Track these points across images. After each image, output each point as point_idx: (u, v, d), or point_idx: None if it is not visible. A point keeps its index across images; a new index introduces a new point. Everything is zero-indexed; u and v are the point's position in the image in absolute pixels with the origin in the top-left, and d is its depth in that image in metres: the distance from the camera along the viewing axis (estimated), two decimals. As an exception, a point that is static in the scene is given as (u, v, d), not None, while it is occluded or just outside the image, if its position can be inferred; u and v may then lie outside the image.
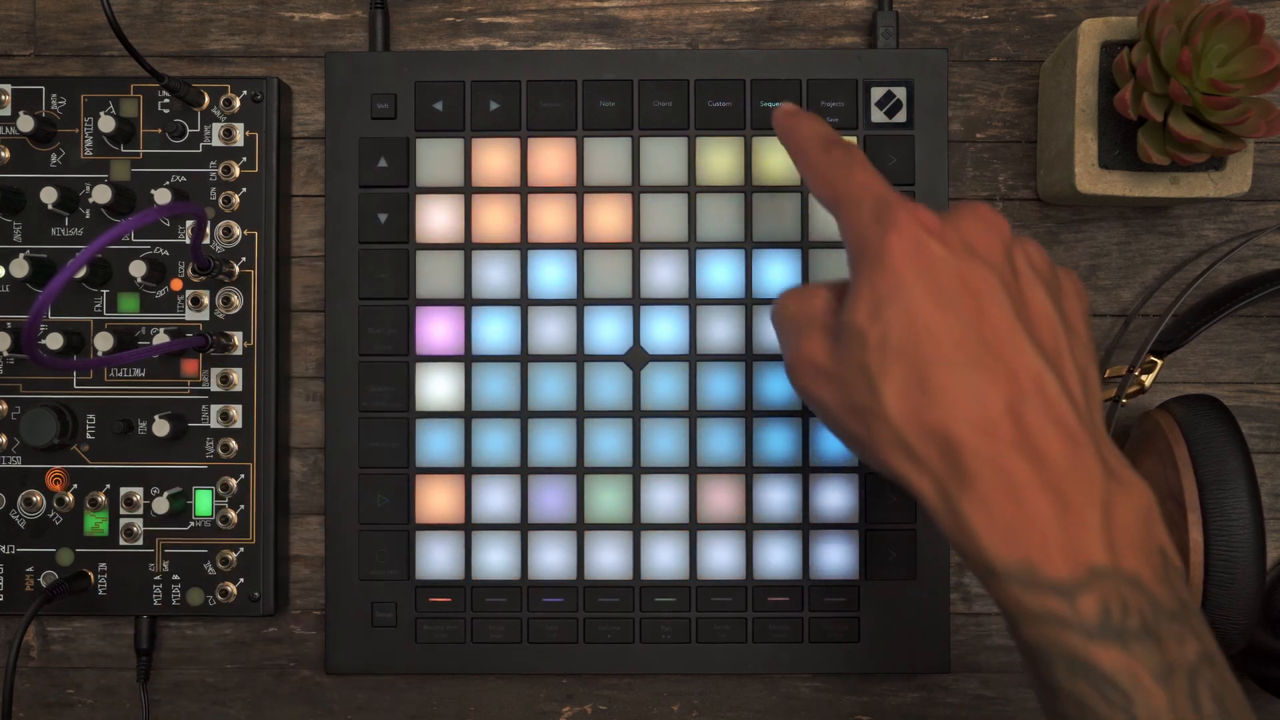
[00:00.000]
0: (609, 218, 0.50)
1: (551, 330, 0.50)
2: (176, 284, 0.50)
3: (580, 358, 0.50)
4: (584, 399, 0.50)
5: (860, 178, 0.39)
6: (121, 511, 0.50)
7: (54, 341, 0.48)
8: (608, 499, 0.50)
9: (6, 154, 0.50)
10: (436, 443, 0.50)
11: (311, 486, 0.52)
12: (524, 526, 0.50)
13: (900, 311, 0.36)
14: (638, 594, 0.50)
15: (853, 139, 0.50)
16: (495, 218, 0.50)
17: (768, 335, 0.50)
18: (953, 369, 0.35)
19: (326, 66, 0.50)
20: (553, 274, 0.50)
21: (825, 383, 0.38)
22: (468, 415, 0.50)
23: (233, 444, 0.50)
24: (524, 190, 0.50)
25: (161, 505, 0.49)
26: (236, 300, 0.50)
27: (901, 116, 0.50)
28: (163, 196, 0.49)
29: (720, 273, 0.50)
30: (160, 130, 0.50)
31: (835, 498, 0.50)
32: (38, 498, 0.50)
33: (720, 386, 0.50)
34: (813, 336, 0.39)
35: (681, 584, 0.50)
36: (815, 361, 0.38)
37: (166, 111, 0.50)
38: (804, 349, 0.39)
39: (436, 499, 0.50)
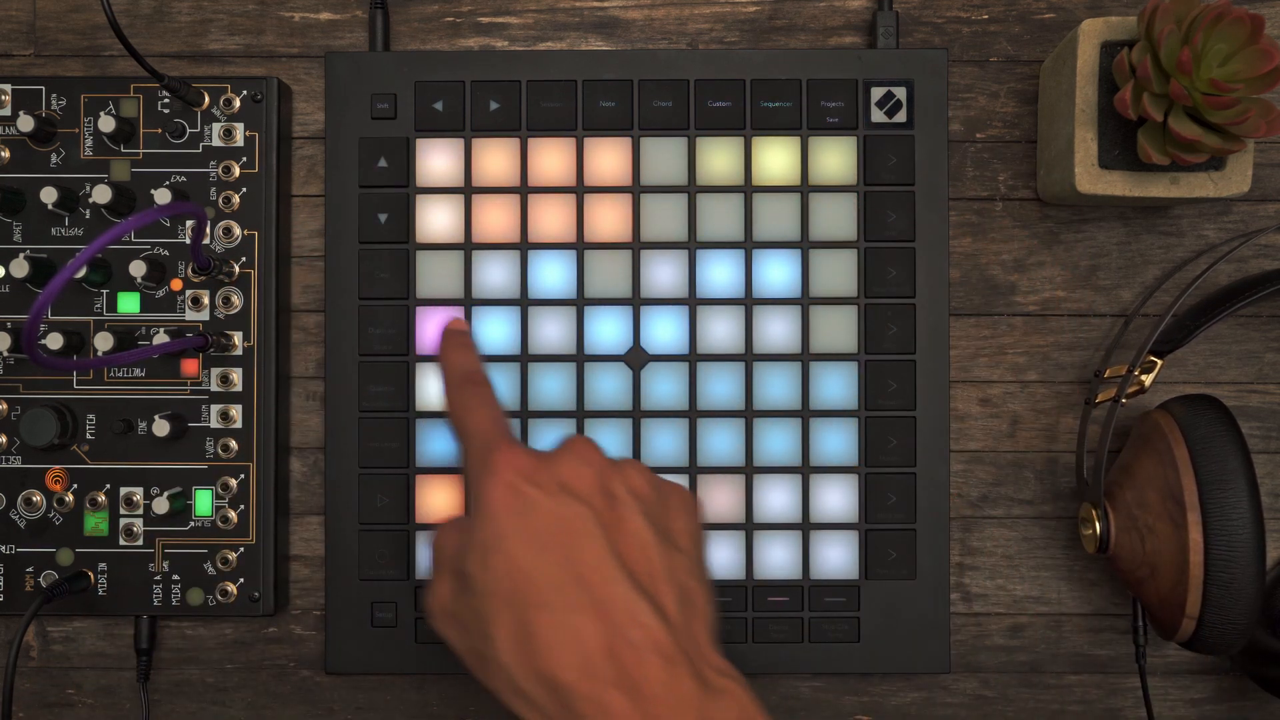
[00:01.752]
0: (609, 218, 0.50)
1: (551, 330, 0.50)
2: (176, 284, 0.50)
3: (580, 358, 0.50)
4: (584, 399, 0.50)
5: (478, 418, 0.42)
6: (121, 511, 0.50)
7: (54, 341, 0.48)
8: (608, 499, 0.50)
9: (6, 154, 0.50)
10: (436, 443, 0.50)
11: (311, 486, 0.52)
12: (524, 526, 0.50)
13: (502, 559, 0.38)
14: (638, 594, 0.50)
15: (850, 140, 0.50)
16: (495, 218, 0.50)
17: (768, 335, 0.50)
18: (552, 613, 0.37)
19: (326, 66, 0.50)
20: (553, 274, 0.50)
21: (452, 626, 0.40)
22: (468, 415, 0.50)
23: (233, 444, 0.50)
24: (524, 190, 0.50)
25: (161, 505, 0.49)
26: (236, 300, 0.50)
27: (901, 116, 0.50)
28: (163, 196, 0.49)
29: (720, 273, 0.50)
30: (160, 130, 0.50)
31: (835, 498, 0.50)
32: (38, 498, 0.50)
33: (720, 386, 0.50)
34: (444, 578, 0.40)
35: (681, 584, 0.50)
36: (444, 604, 0.40)
37: (166, 111, 0.50)
38: (436, 590, 0.40)
39: (436, 499, 0.50)
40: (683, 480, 0.50)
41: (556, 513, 0.38)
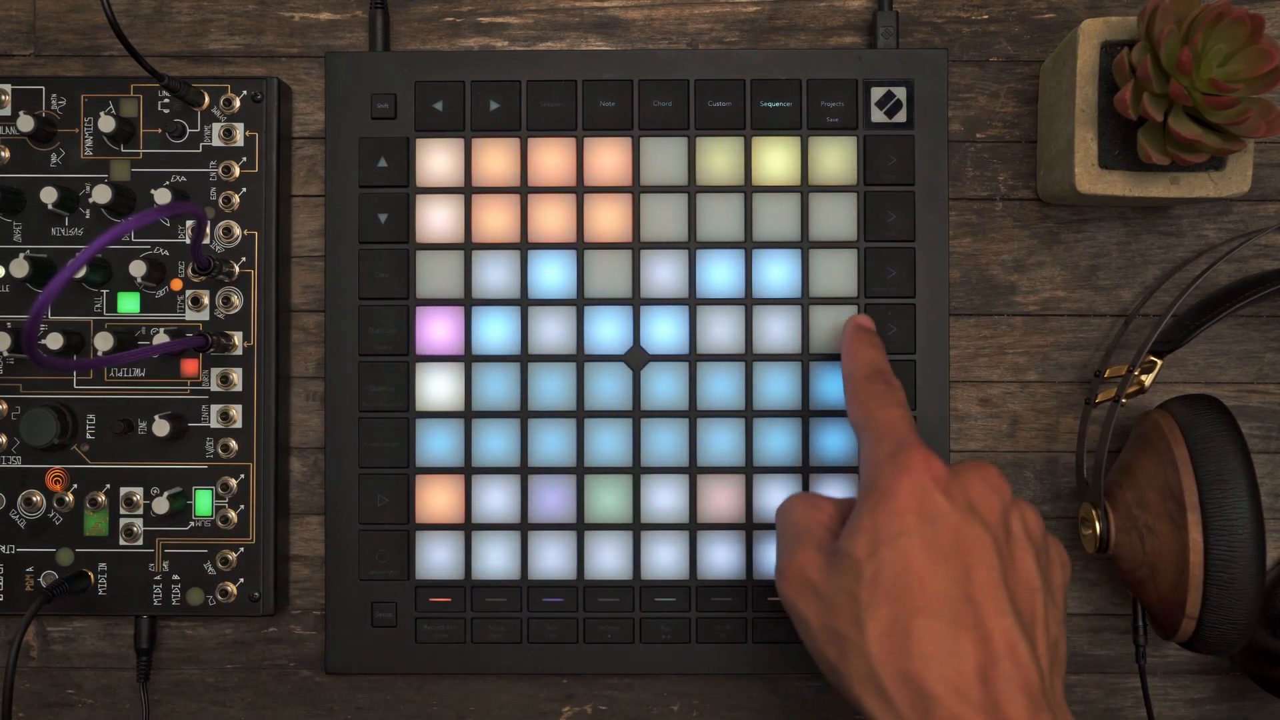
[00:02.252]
0: (609, 218, 0.50)
1: (551, 330, 0.50)
2: (176, 284, 0.50)
3: (580, 358, 0.50)
4: (584, 399, 0.50)
5: (890, 415, 0.42)
6: (121, 511, 0.50)
7: (54, 341, 0.48)
8: (608, 499, 0.50)
9: (6, 154, 0.50)
10: (436, 443, 0.50)
11: (311, 486, 0.52)
12: (524, 526, 0.50)
13: (897, 554, 0.38)
14: (638, 594, 0.50)
15: (850, 140, 0.50)
16: (495, 218, 0.50)
17: (768, 335, 0.50)
18: (936, 622, 0.37)
19: (326, 66, 0.50)
20: (553, 274, 0.50)
21: (812, 599, 0.40)
22: (468, 415, 0.50)
23: (233, 444, 0.50)
24: (524, 190, 0.50)
25: (161, 505, 0.49)
26: (236, 300, 0.50)
27: (901, 116, 0.50)
28: (163, 196, 0.49)
29: (720, 273, 0.50)
30: (160, 130, 0.50)
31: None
32: (38, 498, 0.50)
33: (720, 386, 0.50)
34: (809, 550, 0.41)
35: (681, 584, 0.50)
36: (807, 575, 0.40)
37: (166, 111, 0.50)
38: (799, 559, 0.41)
39: (436, 499, 0.50)
40: (683, 480, 0.50)
41: (961, 529, 0.38)
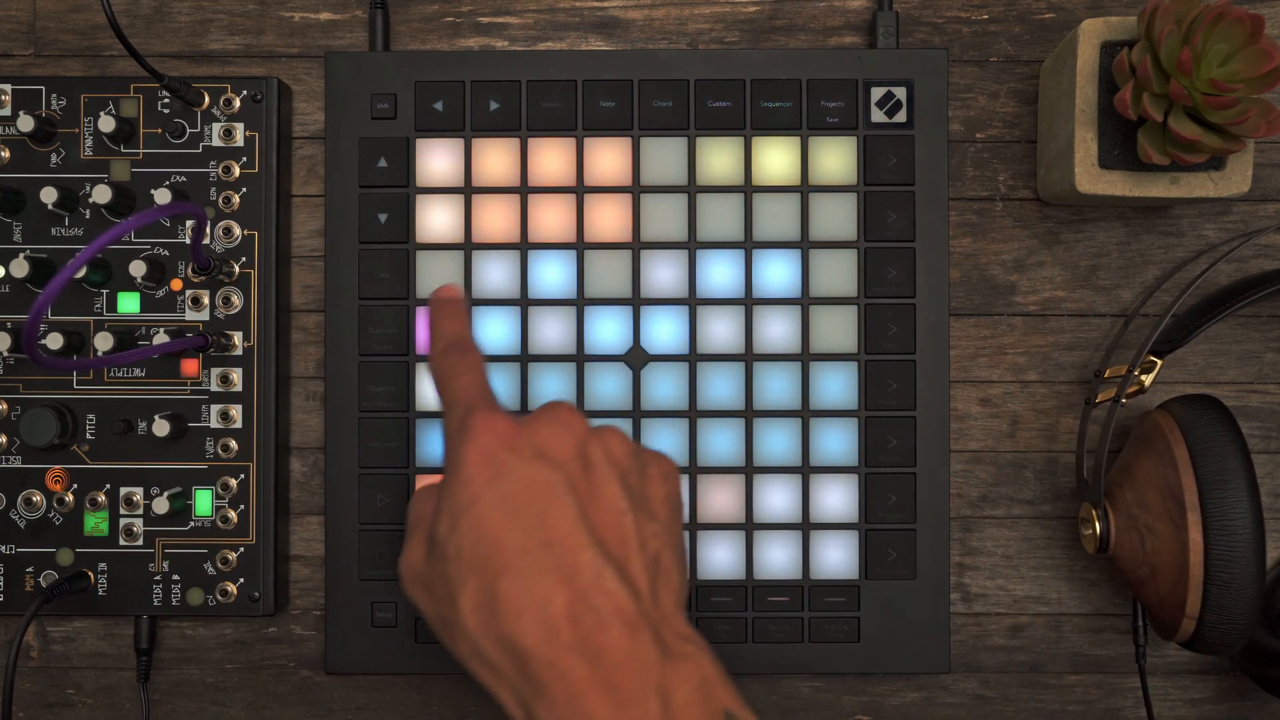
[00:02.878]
0: (609, 218, 0.50)
1: (551, 330, 0.50)
2: (176, 284, 0.50)
3: (580, 358, 0.50)
4: (584, 399, 0.50)
5: (461, 384, 0.41)
6: (121, 511, 0.50)
7: (54, 341, 0.48)
8: (608, 499, 0.50)
9: (6, 154, 0.50)
10: (436, 443, 0.50)
11: (311, 486, 0.52)
12: (524, 526, 0.50)
13: (472, 523, 0.37)
14: (638, 594, 0.50)
15: (850, 140, 0.50)
16: (495, 218, 0.50)
17: (768, 335, 0.50)
18: (517, 577, 0.36)
19: (326, 66, 0.50)
20: (553, 274, 0.50)
21: (421, 590, 0.39)
22: (468, 415, 0.50)
23: (233, 444, 0.50)
24: (524, 190, 0.50)
25: (161, 505, 0.49)
26: (236, 300, 0.50)
27: (901, 116, 0.50)
28: (163, 196, 0.49)
29: (720, 273, 0.50)
30: (160, 130, 0.50)
31: (835, 498, 0.50)
32: (38, 498, 0.50)
33: (720, 386, 0.50)
34: (417, 542, 0.40)
35: (681, 584, 0.50)
36: (415, 568, 0.40)
37: (166, 111, 0.50)
38: (409, 555, 0.40)
39: (436, 499, 0.50)
40: (683, 480, 0.50)
41: (529, 478, 0.38)
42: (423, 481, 0.50)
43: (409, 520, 0.41)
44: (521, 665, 0.36)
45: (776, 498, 0.50)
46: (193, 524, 0.50)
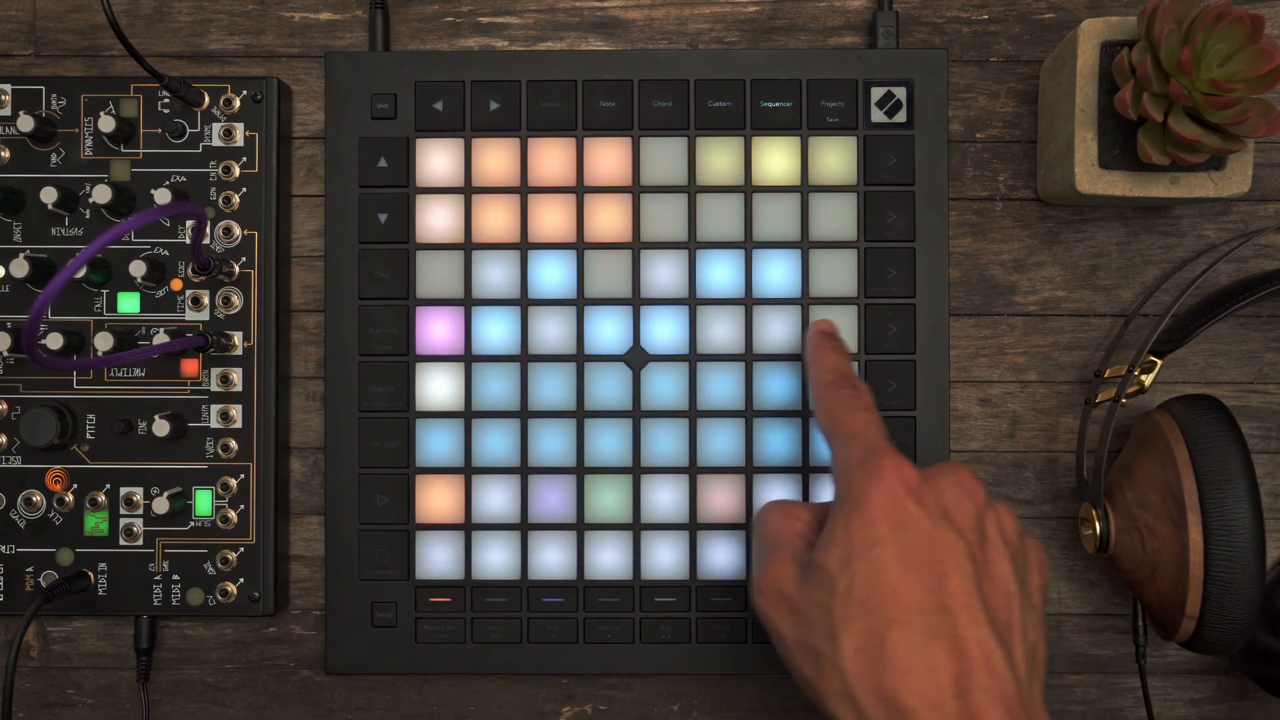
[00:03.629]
0: (609, 218, 0.50)
1: (551, 330, 0.50)
2: (176, 284, 0.50)
3: (580, 358, 0.50)
4: (584, 399, 0.50)
5: (859, 420, 0.41)
6: (121, 511, 0.50)
7: (54, 341, 0.48)
8: (608, 499, 0.50)
9: (6, 154, 0.50)
10: (436, 443, 0.50)
11: (311, 486, 0.52)
12: (524, 526, 0.50)
13: (870, 566, 0.37)
14: (638, 594, 0.50)
15: (850, 140, 0.50)
16: (495, 218, 0.50)
17: (768, 335, 0.50)
18: (910, 633, 0.36)
19: (326, 66, 0.50)
20: (553, 274, 0.50)
21: (786, 612, 0.39)
22: (468, 415, 0.50)
23: (233, 444, 0.50)
24: (524, 190, 0.50)
25: (161, 505, 0.49)
26: (236, 300, 0.50)
27: (901, 116, 0.50)
28: (163, 196, 0.49)
29: (720, 273, 0.50)
30: (160, 130, 0.50)
31: (835, 498, 0.50)
32: (38, 498, 0.50)
33: (720, 386, 0.50)
34: (785, 561, 0.40)
35: (681, 584, 0.50)
36: (782, 588, 0.40)
37: (166, 111, 0.50)
38: (774, 572, 0.40)
39: (436, 499, 0.50)
40: (683, 480, 0.50)
41: (935, 537, 0.38)
42: (422, 481, 0.50)
43: (762, 534, 0.42)
44: None
45: (777, 498, 0.50)
46: (193, 524, 0.50)
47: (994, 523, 0.39)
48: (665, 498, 0.50)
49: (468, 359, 0.50)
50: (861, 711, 0.37)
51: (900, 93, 0.50)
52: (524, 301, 0.50)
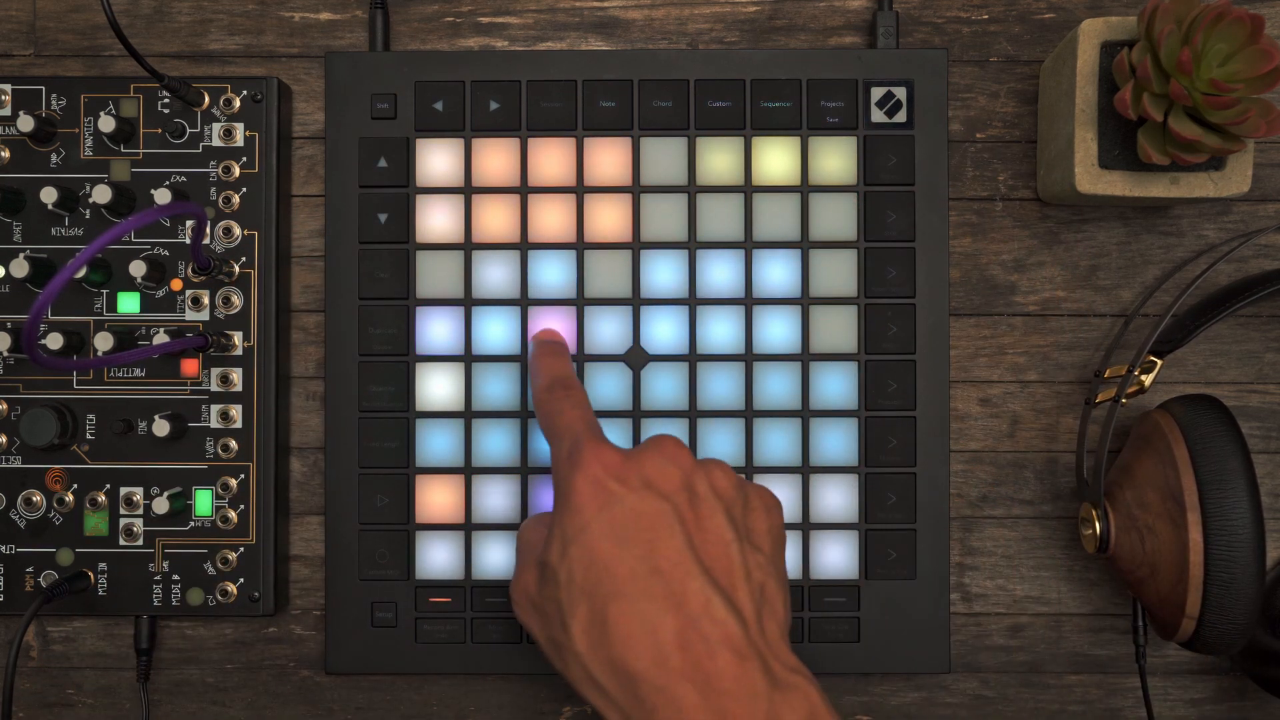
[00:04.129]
0: (609, 218, 0.50)
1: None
2: (176, 284, 0.50)
3: (580, 358, 0.50)
4: (584, 399, 0.50)
5: (568, 418, 0.43)
6: (121, 511, 0.50)
7: (54, 341, 0.48)
8: (608, 499, 0.50)
9: (6, 154, 0.50)
10: (436, 443, 0.50)
11: (311, 486, 0.52)
12: (524, 526, 0.50)
13: (582, 550, 0.39)
14: (638, 594, 0.50)
15: (850, 140, 0.50)
16: (495, 218, 0.50)
17: (768, 335, 0.50)
18: (627, 603, 0.38)
19: (326, 66, 0.50)
20: (553, 274, 0.50)
21: (532, 614, 0.41)
22: (468, 415, 0.50)
23: (233, 444, 0.50)
24: (524, 190, 0.50)
25: (161, 505, 0.49)
26: (236, 300, 0.50)
27: (901, 116, 0.50)
28: (163, 196, 0.49)
29: (720, 273, 0.50)
30: (160, 130, 0.50)
31: (835, 498, 0.50)
32: (38, 498, 0.50)
33: (720, 386, 0.50)
34: (529, 567, 0.42)
35: (681, 584, 0.50)
36: (528, 592, 0.41)
37: (166, 111, 0.50)
38: (521, 579, 0.42)
39: (436, 499, 0.50)
40: (683, 480, 0.50)
41: (639, 508, 0.39)
42: (422, 481, 0.50)
43: (519, 546, 0.43)
44: (632, 688, 0.37)
45: (778, 497, 0.50)
46: (193, 524, 0.50)
47: (703, 480, 0.41)
48: (665, 498, 0.50)
49: (468, 359, 0.50)
50: (601, 688, 0.38)
51: (900, 93, 0.50)
52: (524, 301, 0.50)
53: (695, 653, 0.37)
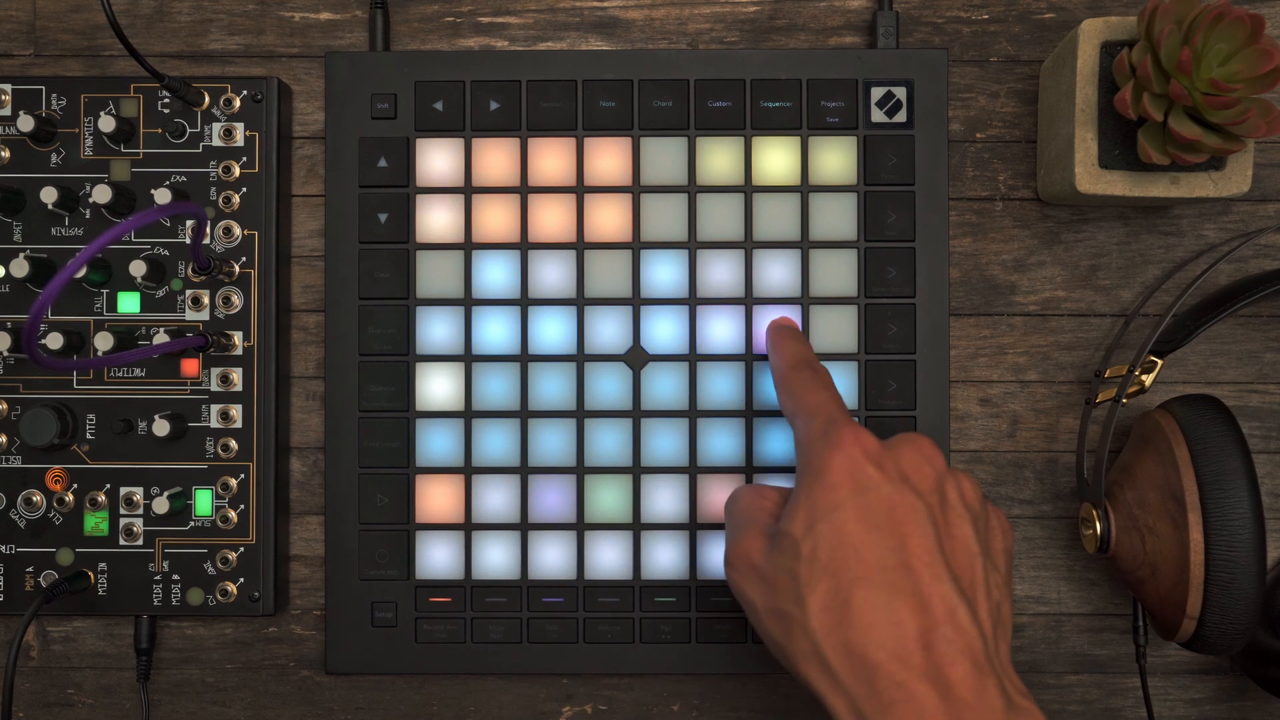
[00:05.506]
0: (609, 218, 0.50)
1: (551, 330, 0.50)
2: (176, 284, 0.50)
3: (580, 358, 0.50)
4: (584, 399, 0.50)
5: (818, 398, 0.42)
6: (121, 511, 0.50)
7: (54, 341, 0.48)
8: (608, 499, 0.50)
9: (6, 154, 0.50)
10: (436, 443, 0.50)
11: (311, 486, 0.52)
12: (524, 526, 0.50)
13: (832, 528, 0.38)
14: (638, 594, 0.50)
15: (850, 140, 0.50)
16: (495, 218, 0.50)
17: (768, 335, 0.50)
18: (874, 590, 0.37)
19: (326, 66, 0.50)
20: (553, 274, 0.50)
21: (756, 582, 0.40)
22: (468, 415, 0.50)
23: (233, 444, 0.50)
24: (524, 190, 0.50)
25: (161, 505, 0.49)
26: (236, 300, 0.50)
27: (901, 116, 0.50)
28: (163, 196, 0.49)
29: (720, 273, 0.50)
30: (160, 130, 0.50)
31: (835, 498, 0.50)
32: (38, 498, 0.50)
33: (720, 386, 0.50)
34: (754, 535, 0.41)
35: (681, 584, 0.50)
36: (751, 560, 0.41)
37: (166, 111, 0.50)
38: (743, 545, 0.41)
39: (436, 499, 0.50)
40: (683, 480, 0.50)
41: (894, 499, 0.38)
42: (422, 481, 0.50)
43: (735, 513, 0.43)
44: (867, 678, 0.36)
45: (776, 498, 0.50)
46: (193, 524, 0.50)
47: (954, 488, 0.40)
48: (665, 498, 0.50)
49: (468, 359, 0.50)
50: (831, 670, 0.37)
51: (900, 93, 0.50)
52: (524, 301, 0.50)
53: (938, 655, 0.36)
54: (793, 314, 0.50)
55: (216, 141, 0.50)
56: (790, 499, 0.40)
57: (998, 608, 0.39)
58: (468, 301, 0.50)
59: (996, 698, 0.36)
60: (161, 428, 0.49)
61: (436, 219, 0.50)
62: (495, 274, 0.50)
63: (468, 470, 0.50)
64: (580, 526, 0.50)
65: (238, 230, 0.50)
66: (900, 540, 0.38)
